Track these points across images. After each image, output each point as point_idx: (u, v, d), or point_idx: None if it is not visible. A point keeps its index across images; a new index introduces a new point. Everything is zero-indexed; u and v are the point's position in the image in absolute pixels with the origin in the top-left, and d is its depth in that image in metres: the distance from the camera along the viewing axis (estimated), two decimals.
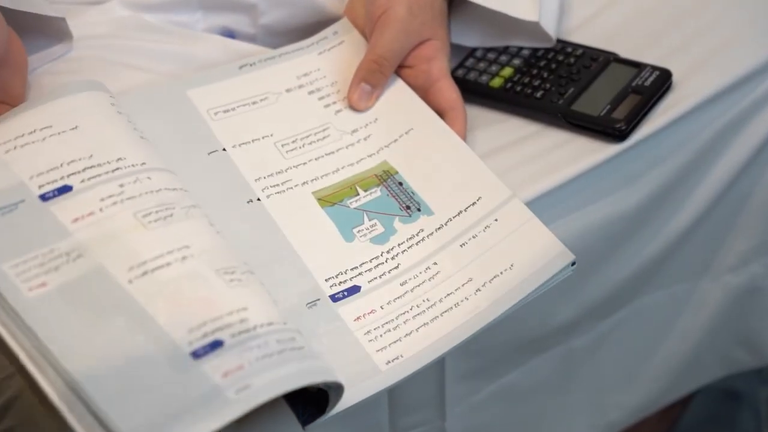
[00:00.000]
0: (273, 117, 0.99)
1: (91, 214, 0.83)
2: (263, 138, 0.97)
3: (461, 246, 0.91)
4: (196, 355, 0.77)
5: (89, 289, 0.80)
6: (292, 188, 0.95)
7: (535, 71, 1.05)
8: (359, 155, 0.97)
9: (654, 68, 1.02)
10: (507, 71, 1.05)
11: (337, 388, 0.81)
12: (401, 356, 0.87)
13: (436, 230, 0.92)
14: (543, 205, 0.96)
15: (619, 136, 0.99)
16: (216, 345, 0.77)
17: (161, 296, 0.79)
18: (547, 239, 0.90)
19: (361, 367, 0.86)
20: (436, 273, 0.90)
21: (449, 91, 0.99)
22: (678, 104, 1.01)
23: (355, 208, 0.94)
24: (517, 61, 1.06)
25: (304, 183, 0.95)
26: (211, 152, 0.95)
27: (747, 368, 1.17)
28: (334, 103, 1.00)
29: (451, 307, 0.88)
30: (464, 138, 0.98)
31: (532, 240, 0.90)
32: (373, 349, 0.87)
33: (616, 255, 1.04)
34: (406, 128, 0.98)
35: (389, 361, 0.86)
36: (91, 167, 0.85)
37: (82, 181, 0.85)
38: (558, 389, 1.11)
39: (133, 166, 0.87)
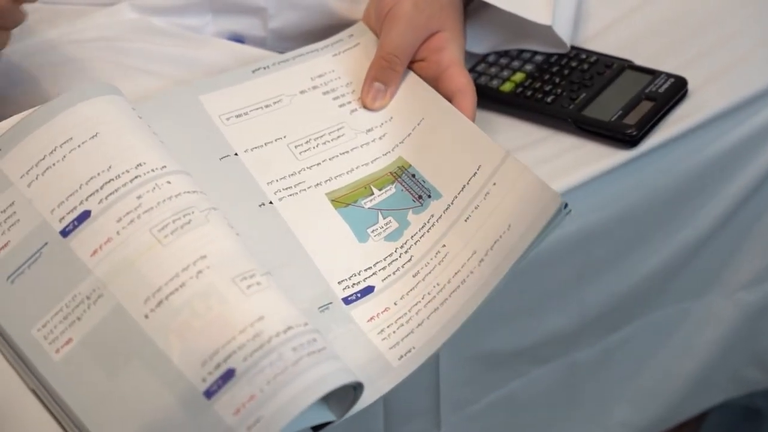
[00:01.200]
0: (286, 119, 0.97)
1: (108, 241, 0.83)
2: (276, 140, 0.96)
3: (465, 221, 0.89)
4: (209, 393, 0.77)
5: (109, 334, 0.81)
6: (305, 190, 0.93)
7: (547, 77, 1.02)
8: (374, 154, 0.96)
9: (669, 76, 1.00)
10: (519, 76, 1.03)
11: (357, 387, 0.81)
12: (413, 348, 0.85)
13: (444, 212, 0.90)
14: None
15: (630, 141, 0.97)
16: (228, 376, 0.77)
17: (174, 328, 0.79)
18: (538, 189, 0.86)
19: (373, 367, 0.85)
20: (445, 255, 0.88)
21: (458, 76, 0.97)
22: (693, 114, 0.99)
23: (369, 208, 0.92)
24: (529, 67, 1.04)
25: (317, 184, 0.94)
26: (222, 157, 0.94)
27: (760, 388, 1.14)
28: (349, 102, 0.99)
29: (459, 285, 0.86)
30: (473, 119, 0.95)
31: (526, 193, 0.86)
32: (386, 347, 0.86)
33: (620, 263, 1.02)
34: (418, 119, 0.97)
35: (402, 356, 0.85)
36: (110, 181, 0.85)
37: (100, 201, 0.84)
38: (560, 403, 1.08)
39: (153, 171, 0.86)
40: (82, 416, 0.78)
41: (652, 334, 1.07)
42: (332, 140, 0.96)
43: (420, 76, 0.99)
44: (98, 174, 0.85)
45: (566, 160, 0.97)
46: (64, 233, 0.84)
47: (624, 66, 1.02)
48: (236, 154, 0.94)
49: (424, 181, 0.93)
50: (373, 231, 0.91)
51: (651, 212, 1.00)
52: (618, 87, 1.00)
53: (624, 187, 0.98)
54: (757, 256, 1.06)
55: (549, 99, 1.00)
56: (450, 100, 0.96)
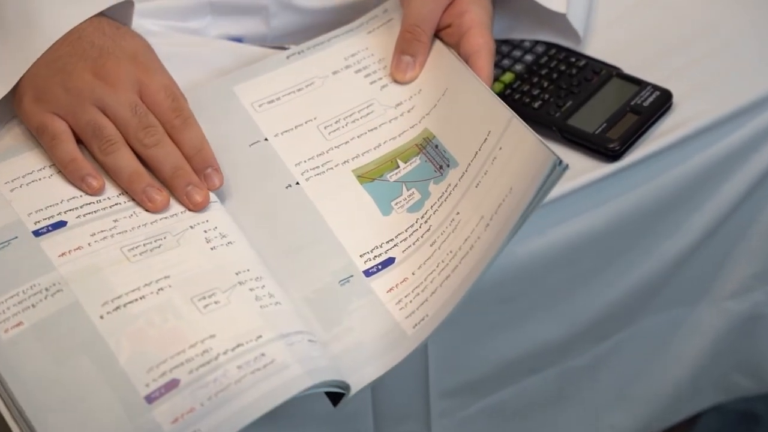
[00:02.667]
0: (318, 101, 0.99)
1: (79, 248, 0.86)
2: (306, 123, 0.98)
3: (476, 187, 0.90)
4: (150, 399, 0.80)
5: (62, 326, 0.83)
6: (332, 168, 0.96)
7: (535, 79, 1.03)
8: (402, 128, 0.98)
9: (655, 88, 1.01)
10: (508, 77, 1.04)
11: (332, 385, 0.84)
12: (426, 316, 0.87)
13: (459, 180, 0.92)
14: (531, 221, 0.95)
15: (613, 156, 0.98)
16: (171, 386, 0.80)
17: (127, 332, 0.82)
18: (536, 150, 0.85)
19: (390, 337, 0.88)
20: (459, 222, 0.90)
21: (475, 37, 0.97)
22: (677, 128, 0.99)
23: (394, 181, 0.95)
24: (519, 67, 1.05)
25: (344, 162, 0.96)
26: (252, 143, 0.97)
27: (748, 394, 1.16)
28: (380, 79, 1.00)
29: (468, 252, 0.88)
30: (489, 79, 0.96)
31: (525, 155, 0.87)
32: (403, 316, 0.88)
33: (608, 273, 1.03)
34: (443, 90, 0.98)
35: (416, 324, 0.87)
36: (90, 203, 0.89)
37: (78, 216, 0.88)
38: (551, 408, 1.10)
39: (134, 200, 0.90)
40: (20, 399, 0.80)
41: (641, 342, 1.09)
42: (361, 118, 0.98)
43: (447, 42, 1.00)
44: (81, 196, 0.89)
45: None
46: (37, 233, 0.87)
47: (612, 74, 1.03)
48: (266, 139, 0.97)
49: (445, 151, 0.94)
50: (396, 203, 0.94)
51: (636, 223, 1.01)
52: (604, 96, 1.01)
53: (608, 198, 0.99)
54: (744, 267, 1.08)
55: (536, 104, 1.01)
56: (467, 63, 0.97)
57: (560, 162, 0.82)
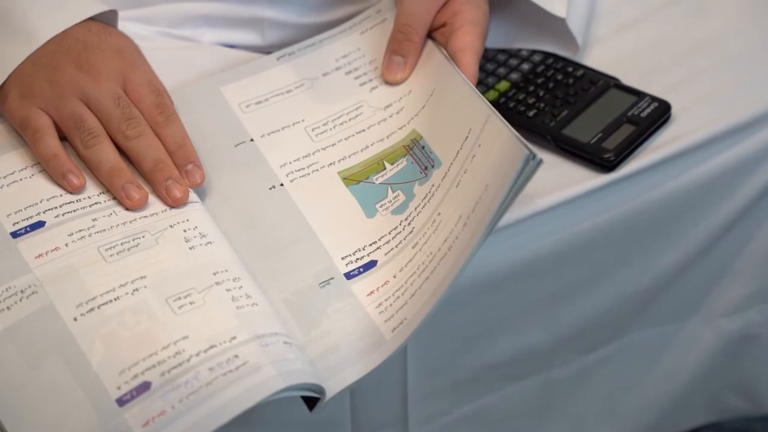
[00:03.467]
0: (306, 102, 0.98)
1: (56, 249, 0.86)
2: (294, 125, 0.97)
3: (457, 186, 0.88)
4: (122, 401, 0.79)
5: (36, 329, 0.82)
6: (317, 170, 0.94)
7: (531, 88, 1.01)
8: (391, 129, 0.96)
9: (653, 99, 0.99)
10: (503, 85, 1.02)
11: (305, 388, 0.82)
12: (405, 319, 0.86)
13: (442, 180, 0.90)
14: (521, 228, 0.94)
15: (607, 167, 0.96)
16: (143, 388, 0.79)
17: (101, 334, 0.81)
18: (511, 146, 0.83)
19: (367, 341, 0.86)
20: (439, 223, 0.88)
21: (464, 35, 0.96)
22: (674, 141, 0.97)
23: (380, 183, 0.93)
24: (515, 76, 1.02)
25: (330, 164, 0.94)
26: (238, 144, 0.95)
27: (740, 415, 1.14)
28: (371, 80, 0.99)
29: (446, 252, 0.86)
30: (474, 78, 0.94)
31: (501, 152, 0.85)
32: (382, 320, 0.87)
33: (597, 284, 1.01)
34: (431, 91, 0.96)
35: (395, 328, 0.86)
36: (70, 203, 0.88)
37: (56, 216, 0.87)
38: (536, 419, 1.08)
39: (114, 199, 0.89)
40: None
41: (630, 355, 1.07)
42: (350, 120, 0.97)
43: (439, 41, 0.98)
44: (60, 195, 0.88)
45: (544, 179, 0.95)
46: (14, 235, 0.87)
47: (609, 84, 1.00)
48: (252, 140, 0.95)
49: (431, 152, 0.93)
50: (381, 206, 0.92)
51: (629, 236, 0.99)
52: (601, 107, 0.99)
53: (602, 209, 0.97)
54: (739, 285, 1.06)
55: (531, 113, 0.99)
56: (453, 60, 0.95)
57: (534, 156, 0.80)
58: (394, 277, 0.88)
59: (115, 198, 0.89)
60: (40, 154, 0.89)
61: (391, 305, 0.87)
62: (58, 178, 0.88)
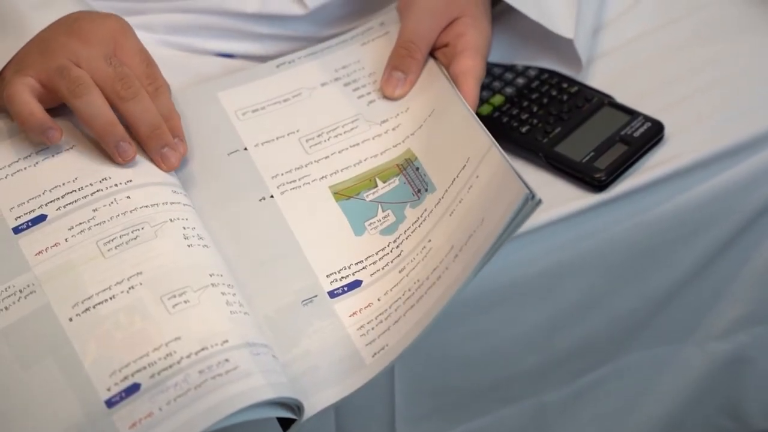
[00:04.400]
0: (303, 112, 0.97)
1: (56, 245, 0.85)
2: (288, 135, 0.96)
3: (450, 215, 0.88)
4: (110, 403, 0.79)
5: (31, 329, 0.82)
6: (309, 183, 0.93)
7: (525, 103, 1.00)
8: (385, 146, 0.95)
9: (647, 119, 0.98)
10: (497, 99, 1.01)
11: (285, 403, 0.82)
12: (386, 346, 0.85)
13: (435, 206, 0.89)
14: (511, 248, 0.92)
15: (598, 186, 0.95)
16: (132, 390, 0.80)
17: (95, 335, 0.81)
18: (510, 182, 0.83)
19: (347, 364, 0.85)
20: (429, 250, 0.87)
21: (466, 59, 0.96)
22: (667, 161, 0.97)
23: (370, 201, 0.92)
24: (509, 90, 1.02)
25: (322, 177, 0.94)
26: (231, 152, 0.95)
27: None
28: (369, 93, 0.98)
29: (435, 282, 0.85)
30: (474, 103, 0.94)
31: (499, 187, 0.84)
32: (363, 343, 0.86)
33: (589, 306, 1.00)
34: (429, 111, 0.95)
35: (375, 353, 0.85)
36: (72, 192, 0.88)
37: (58, 208, 0.87)
38: None
39: (115, 185, 0.88)
40: None
41: (623, 378, 1.06)
42: (345, 132, 0.96)
43: (441, 62, 0.98)
44: (63, 184, 0.88)
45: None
46: (17, 230, 0.86)
47: (603, 102, 1.00)
48: (245, 149, 0.95)
49: (425, 175, 0.92)
50: (370, 224, 0.91)
51: (621, 258, 0.98)
52: (594, 125, 0.98)
53: (593, 231, 0.96)
54: (731, 308, 1.05)
55: (524, 129, 0.99)
56: (455, 83, 0.95)
57: (533, 196, 0.80)
58: (378, 300, 0.87)
59: (116, 185, 0.88)
60: (16, 113, 0.88)
61: (373, 329, 0.86)
62: (38, 136, 0.88)
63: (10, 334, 0.82)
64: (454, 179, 0.89)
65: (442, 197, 0.89)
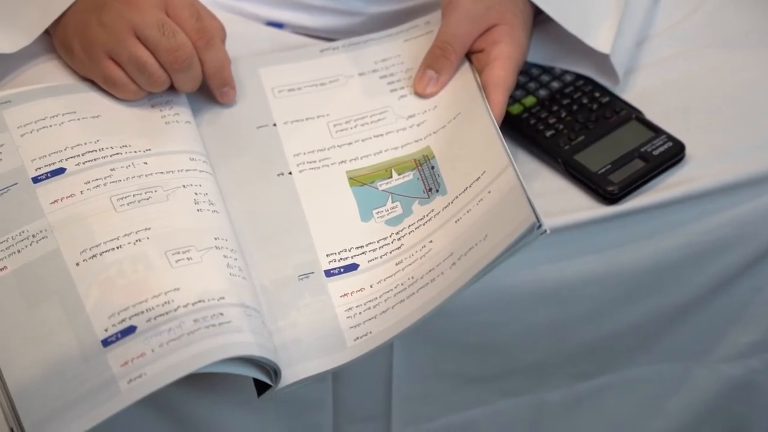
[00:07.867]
0: (336, 98, 1.00)
1: (71, 196, 0.89)
2: (318, 117, 0.99)
3: (456, 222, 0.90)
4: (106, 342, 0.83)
5: (40, 271, 0.86)
6: (327, 166, 0.96)
7: (555, 108, 1.01)
8: (406, 140, 0.98)
9: (669, 138, 0.98)
10: (530, 100, 1.03)
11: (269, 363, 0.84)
12: (369, 333, 0.87)
13: (443, 209, 0.92)
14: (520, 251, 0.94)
15: (610, 199, 0.96)
16: (128, 331, 0.83)
17: (98, 280, 0.85)
18: (520, 205, 0.85)
19: (329, 341, 0.88)
20: (428, 251, 0.90)
21: (498, 69, 0.97)
22: (683, 183, 0.97)
23: (383, 190, 0.94)
24: (543, 92, 1.03)
25: (341, 162, 0.96)
26: (260, 126, 0.98)
27: None
28: (402, 89, 1.01)
29: (427, 283, 0.87)
30: (500, 115, 0.96)
31: (509, 208, 0.87)
32: (348, 325, 0.88)
33: (597, 315, 1.01)
34: (455, 113, 0.97)
35: (357, 338, 0.88)
36: (92, 151, 0.92)
37: (78, 164, 0.91)
38: None
39: (135, 152, 0.93)
40: None
41: (625, 389, 1.07)
42: (371, 122, 0.99)
43: (476, 67, 1.00)
44: (85, 143, 0.92)
45: (550, 202, 0.96)
46: (36, 180, 0.90)
47: (631, 116, 1.00)
48: (275, 125, 0.98)
49: (438, 175, 0.94)
50: (378, 212, 0.94)
51: (630, 272, 0.98)
52: (617, 138, 0.99)
53: (606, 245, 0.97)
54: (745, 333, 1.05)
55: (548, 133, 1.00)
56: (484, 92, 0.97)
57: (539, 226, 0.82)
58: (371, 286, 0.89)
59: (136, 151, 0.92)
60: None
61: (360, 313, 0.88)
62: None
63: (21, 276, 0.86)
64: (467, 188, 0.91)
65: (451, 202, 0.91)
